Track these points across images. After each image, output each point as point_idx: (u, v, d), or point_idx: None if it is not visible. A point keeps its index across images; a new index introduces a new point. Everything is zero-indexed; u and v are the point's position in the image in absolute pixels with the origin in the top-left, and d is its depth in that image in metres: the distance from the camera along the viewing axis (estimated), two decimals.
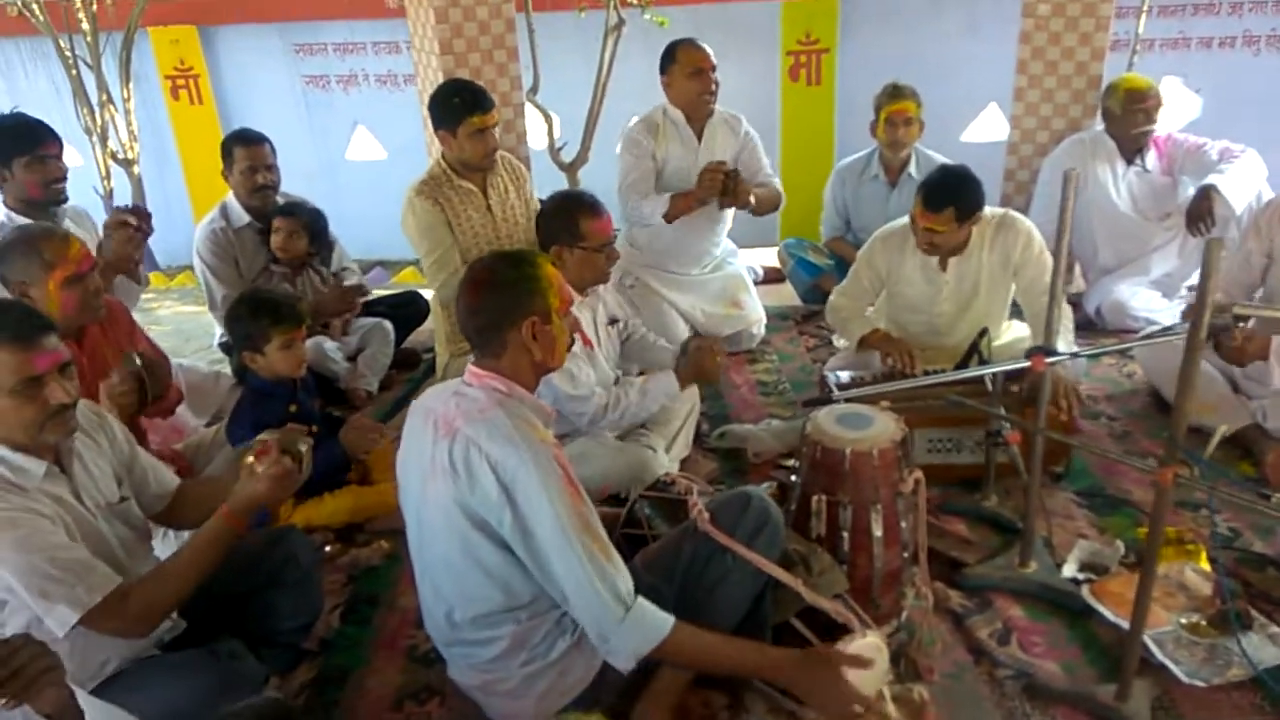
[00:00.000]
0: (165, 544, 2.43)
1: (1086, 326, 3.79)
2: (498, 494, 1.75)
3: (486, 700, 1.96)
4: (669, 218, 3.61)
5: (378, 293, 4.17)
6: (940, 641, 2.19)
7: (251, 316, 2.71)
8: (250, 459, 2.03)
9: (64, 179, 2.95)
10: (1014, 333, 3.25)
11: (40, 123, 2.96)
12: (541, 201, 3.09)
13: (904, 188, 4.00)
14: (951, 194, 2.84)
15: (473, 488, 1.77)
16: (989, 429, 2.57)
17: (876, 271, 3.16)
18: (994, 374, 2.42)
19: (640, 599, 1.80)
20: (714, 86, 3.63)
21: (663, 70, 3.65)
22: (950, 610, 2.31)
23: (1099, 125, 3.94)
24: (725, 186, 3.50)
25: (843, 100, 5.58)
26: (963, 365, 2.63)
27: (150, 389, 2.46)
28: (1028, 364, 2.11)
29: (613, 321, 2.98)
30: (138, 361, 2.47)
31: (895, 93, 3.91)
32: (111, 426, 2.09)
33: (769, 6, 5.58)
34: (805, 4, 5.50)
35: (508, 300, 1.88)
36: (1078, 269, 4.20)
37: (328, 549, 2.70)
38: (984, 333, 2.60)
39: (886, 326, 3.24)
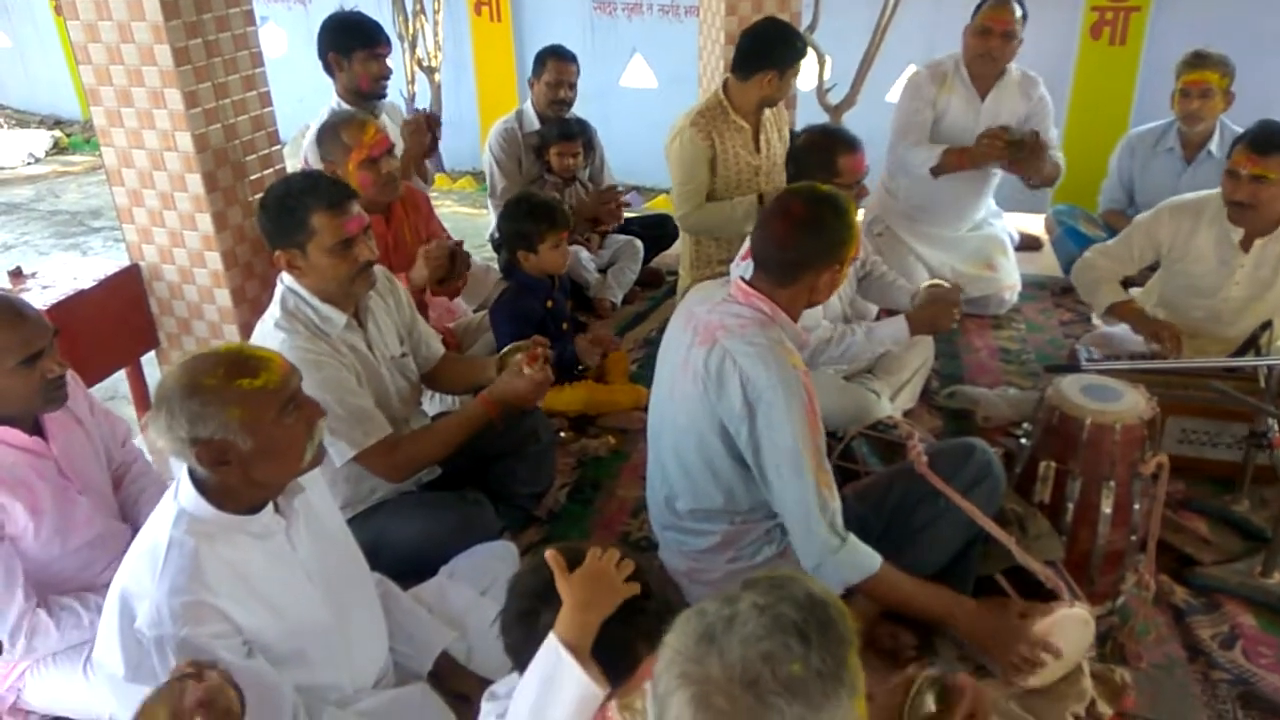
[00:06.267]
0: (431, 403, 2.78)
1: None
2: (741, 407, 1.85)
3: (691, 587, 2.11)
4: (937, 171, 3.50)
5: (632, 214, 4.37)
6: (1155, 632, 2.11)
7: (529, 218, 2.97)
8: (519, 357, 2.25)
9: (388, 76, 3.30)
10: None
11: (378, 24, 3.32)
12: (793, 135, 3.10)
13: (1201, 166, 3.63)
14: None
15: (720, 395, 1.87)
16: (1254, 427, 2.37)
17: (1155, 242, 2.90)
18: (1271, 366, 2.23)
19: (852, 535, 1.86)
20: (1000, 48, 3.42)
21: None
22: (1172, 604, 2.20)
23: None
24: (1013, 153, 3.36)
25: (1149, 65, 5.09)
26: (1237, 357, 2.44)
27: (457, 269, 2.76)
28: None
29: None
30: (452, 244, 2.78)
31: (1195, 61, 3.52)
32: (399, 292, 2.41)
33: None
34: None
35: (825, 244, 1.89)
36: None
37: (562, 434, 2.96)
38: (1267, 325, 2.39)
39: (1156, 308, 3.00)
